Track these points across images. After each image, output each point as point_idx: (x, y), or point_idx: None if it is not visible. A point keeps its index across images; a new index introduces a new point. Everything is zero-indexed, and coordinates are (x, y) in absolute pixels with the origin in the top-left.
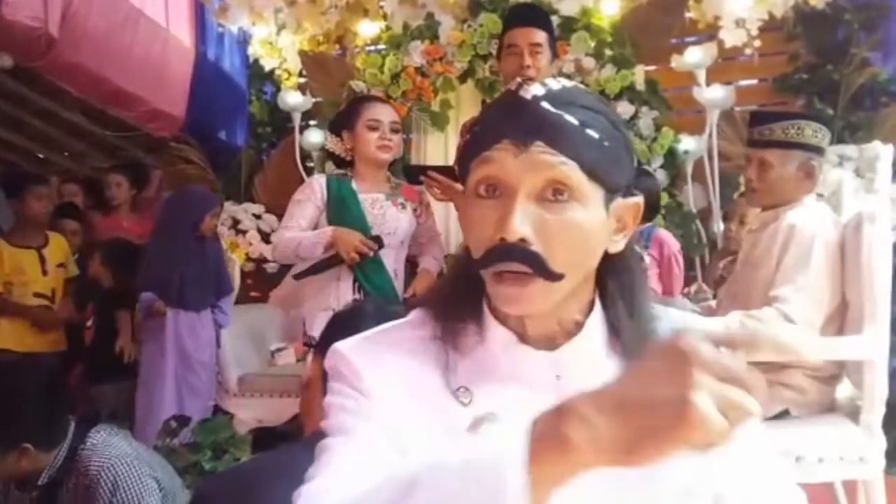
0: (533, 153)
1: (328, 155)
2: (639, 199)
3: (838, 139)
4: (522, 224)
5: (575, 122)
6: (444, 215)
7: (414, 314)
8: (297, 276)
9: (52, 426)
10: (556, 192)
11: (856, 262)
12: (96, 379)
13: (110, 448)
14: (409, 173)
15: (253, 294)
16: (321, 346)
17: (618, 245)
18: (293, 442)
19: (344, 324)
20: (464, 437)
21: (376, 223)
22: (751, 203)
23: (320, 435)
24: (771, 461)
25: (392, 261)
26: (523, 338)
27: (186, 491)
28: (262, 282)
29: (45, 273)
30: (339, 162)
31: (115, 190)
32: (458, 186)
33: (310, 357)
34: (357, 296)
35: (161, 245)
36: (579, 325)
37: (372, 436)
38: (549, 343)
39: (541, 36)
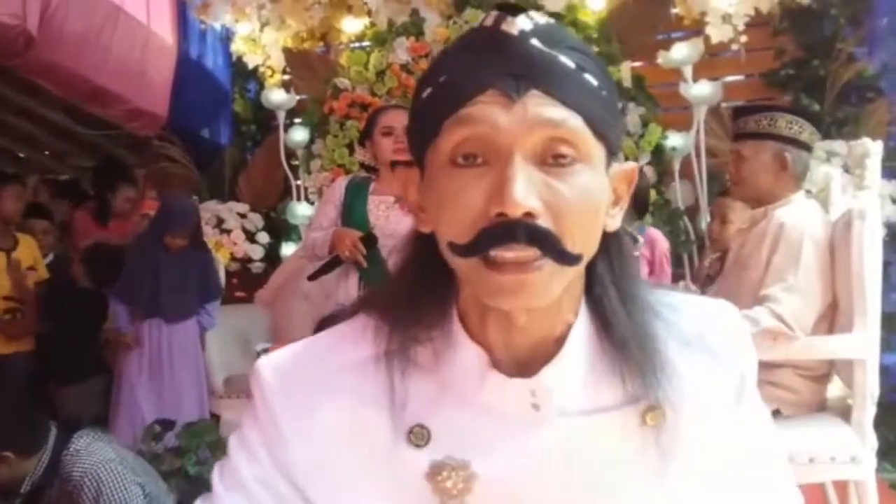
0: (529, 105)
1: (361, 166)
2: (634, 165)
3: (825, 135)
4: (528, 194)
5: (572, 64)
6: None
7: (356, 322)
8: (310, 277)
9: (31, 432)
10: (556, 155)
11: (846, 260)
12: (59, 381)
13: (94, 453)
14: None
15: (238, 294)
16: None
17: (615, 221)
18: None
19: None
20: (418, 486)
21: (379, 224)
22: (735, 197)
23: None
24: None
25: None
26: (507, 349)
27: (171, 496)
28: (247, 282)
29: None
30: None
31: (123, 204)
32: None
33: None
34: (361, 292)
35: (133, 255)
36: (568, 328)
37: None
38: (533, 355)
39: None
